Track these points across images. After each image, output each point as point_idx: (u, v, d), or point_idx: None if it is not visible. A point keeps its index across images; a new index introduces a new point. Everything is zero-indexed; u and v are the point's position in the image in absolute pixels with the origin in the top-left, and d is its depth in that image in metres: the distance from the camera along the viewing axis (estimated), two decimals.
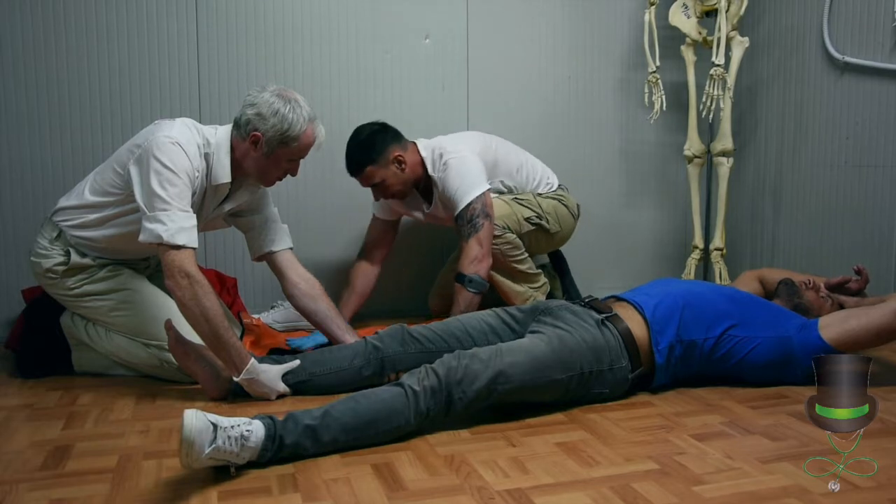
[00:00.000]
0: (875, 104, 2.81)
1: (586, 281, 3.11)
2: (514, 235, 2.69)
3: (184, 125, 2.11)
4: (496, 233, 2.63)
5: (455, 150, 2.64)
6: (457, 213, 2.57)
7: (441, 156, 2.63)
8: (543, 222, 2.76)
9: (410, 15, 3.09)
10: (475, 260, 2.53)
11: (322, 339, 2.42)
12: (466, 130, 3.06)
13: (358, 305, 2.78)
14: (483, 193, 2.58)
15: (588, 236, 3.38)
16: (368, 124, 2.66)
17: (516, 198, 2.75)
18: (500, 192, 2.78)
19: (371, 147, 2.59)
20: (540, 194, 2.82)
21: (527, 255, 2.75)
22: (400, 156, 2.62)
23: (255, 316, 2.82)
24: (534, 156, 2.94)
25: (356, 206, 2.96)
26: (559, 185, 2.92)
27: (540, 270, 2.82)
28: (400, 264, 3.04)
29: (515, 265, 2.71)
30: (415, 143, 2.70)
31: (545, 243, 2.86)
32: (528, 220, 2.72)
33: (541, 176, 2.87)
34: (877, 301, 2.17)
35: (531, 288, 2.76)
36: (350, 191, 2.88)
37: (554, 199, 2.83)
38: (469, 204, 2.56)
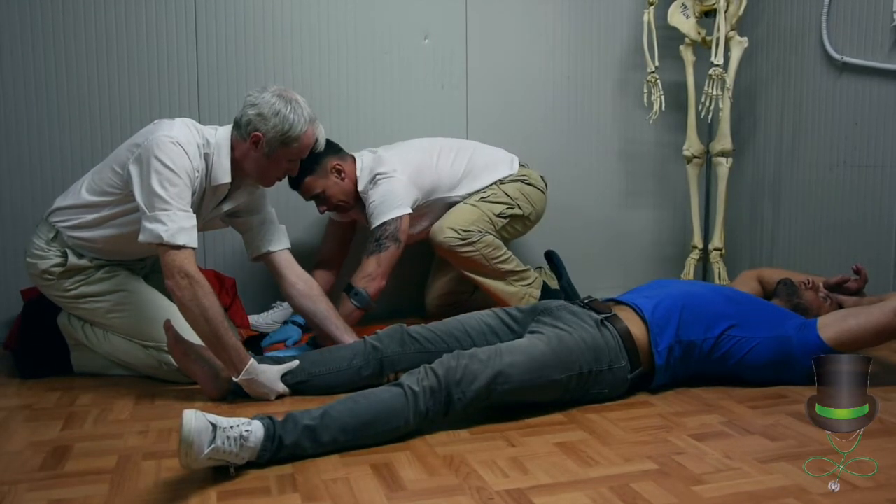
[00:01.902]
0: (874, 104, 2.81)
1: (585, 281, 3.10)
2: (493, 236, 2.69)
3: (184, 125, 2.10)
4: (473, 238, 2.64)
5: (387, 169, 2.62)
6: (371, 228, 2.58)
7: (374, 176, 2.62)
8: (515, 210, 2.76)
9: (410, 15, 3.09)
10: (368, 276, 2.52)
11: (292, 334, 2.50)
12: (422, 139, 2.97)
13: None
14: (400, 217, 2.57)
15: (587, 236, 3.38)
16: None
17: (482, 197, 2.75)
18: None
19: (308, 158, 2.57)
20: (502, 181, 2.81)
21: (510, 254, 2.75)
22: (338, 165, 2.62)
23: (252, 317, 2.83)
24: (484, 148, 2.91)
25: None
26: (520, 164, 2.89)
27: (528, 267, 2.82)
28: (398, 265, 3.03)
29: (500, 266, 2.71)
30: (354, 158, 2.69)
31: (523, 227, 2.87)
32: (500, 214, 2.72)
33: (492, 171, 2.82)
34: (876, 301, 2.17)
35: (524, 286, 2.76)
36: None
37: (516, 181, 2.82)
38: (383, 223, 2.55)
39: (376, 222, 2.56)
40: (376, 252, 2.54)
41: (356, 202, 2.70)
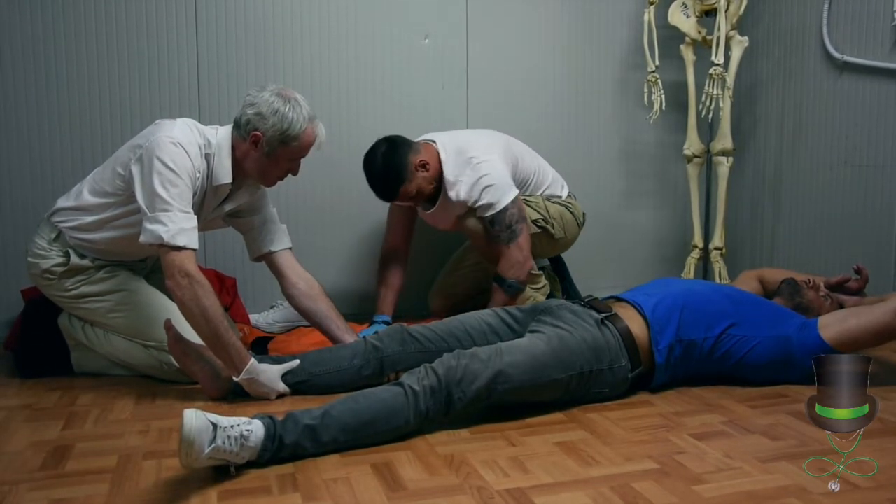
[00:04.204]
0: (874, 104, 2.82)
1: (586, 281, 3.11)
2: None
3: (185, 125, 2.10)
4: None
5: (484, 154, 2.62)
6: (489, 216, 2.57)
7: (468, 160, 2.60)
8: (549, 227, 2.75)
9: (410, 14, 3.09)
10: (516, 265, 2.56)
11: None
12: (485, 129, 3.00)
13: (395, 299, 2.81)
14: (516, 198, 2.59)
15: (588, 236, 3.36)
16: (375, 149, 2.61)
17: (525, 199, 2.75)
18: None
19: (393, 170, 2.56)
20: (549, 198, 2.82)
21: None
22: (421, 161, 2.60)
23: (253, 316, 2.83)
24: (546, 162, 2.93)
25: (353, 201, 2.99)
26: (569, 194, 2.92)
27: (541, 272, 2.82)
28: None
29: None
30: (426, 142, 2.68)
31: (548, 247, 2.85)
32: (534, 221, 2.72)
33: (550, 183, 2.86)
34: (877, 301, 2.17)
35: (531, 288, 2.76)
36: (347, 185, 2.92)
37: (562, 205, 2.83)
38: (505, 208, 2.55)
39: (496, 209, 2.55)
40: (514, 238, 2.55)
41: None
